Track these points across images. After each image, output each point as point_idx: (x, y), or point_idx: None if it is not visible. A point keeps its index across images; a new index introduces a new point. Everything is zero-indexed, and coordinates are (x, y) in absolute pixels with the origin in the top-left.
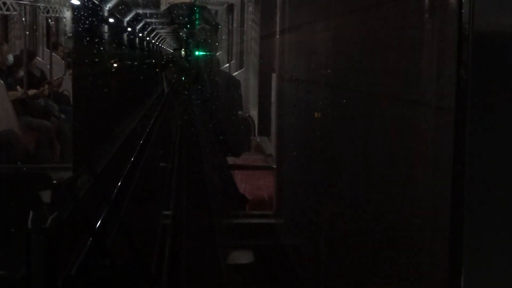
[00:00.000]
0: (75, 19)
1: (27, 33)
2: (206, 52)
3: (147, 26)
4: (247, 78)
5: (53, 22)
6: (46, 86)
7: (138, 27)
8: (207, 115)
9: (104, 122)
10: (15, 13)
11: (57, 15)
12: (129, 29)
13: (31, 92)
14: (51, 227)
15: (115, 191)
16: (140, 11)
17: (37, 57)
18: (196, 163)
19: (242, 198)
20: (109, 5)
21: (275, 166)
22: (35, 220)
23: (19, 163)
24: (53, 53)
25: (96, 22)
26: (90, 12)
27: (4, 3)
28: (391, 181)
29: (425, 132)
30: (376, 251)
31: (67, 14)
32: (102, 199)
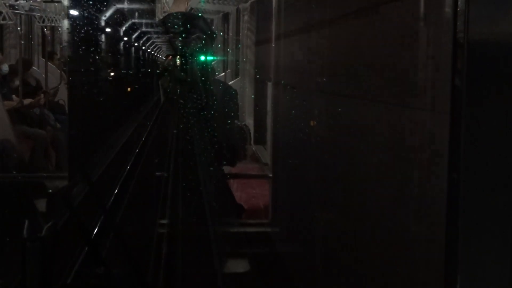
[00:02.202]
0: (71, 28)
1: (23, 42)
2: (202, 60)
3: (142, 35)
4: (242, 87)
5: (48, 32)
6: (42, 95)
7: (133, 36)
8: (203, 124)
9: (99, 131)
10: (10, 22)
11: (53, 24)
12: (125, 38)
13: (27, 101)
14: (47, 236)
15: (111, 200)
16: (136, 20)
17: (33, 67)
18: (192, 172)
19: (239, 208)
20: (104, 15)
21: (270, 175)
22: (30, 229)
23: (14, 172)
24: (48, 63)
25: (91, 31)
26: (85, 21)
27: (1, 12)
28: (387, 189)
29: (420, 140)
30: (371, 258)
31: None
32: (98, 208)
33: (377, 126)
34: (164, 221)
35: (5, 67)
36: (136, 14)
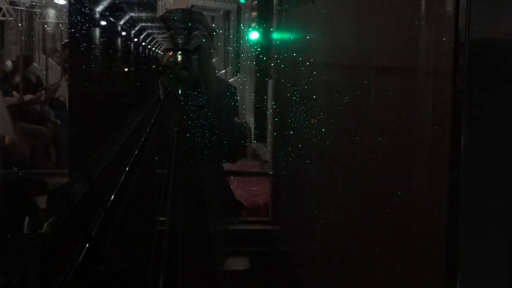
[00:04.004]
0: (71, 24)
1: (23, 38)
2: (202, 58)
3: (143, 31)
4: (243, 84)
5: (49, 28)
6: (43, 91)
7: (134, 32)
8: (203, 121)
9: (100, 128)
10: (11, 18)
11: (53, 20)
12: (125, 34)
13: (27, 97)
14: (47, 233)
15: (111, 197)
16: (137, 16)
17: (34, 63)
18: (193, 169)
19: (238, 205)
20: (105, 11)
21: (271, 172)
22: (30, 226)
23: (14, 168)
24: (49, 59)
25: (92, 28)
26: (86, 17)
27: (0, 9)
28: (388, 188)
29: (420, 139)
30: (372, 257)
31: (51, 16)
32: (98, 205)
33: (378, 125)
34: (164, 218)
35: (9, 64)
36: (137, 10)
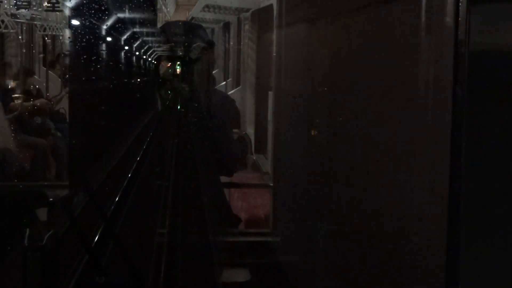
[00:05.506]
0: (71, 37)
1: (24, 51)
2: (202, 70)
3: (143, 44)
4: (243, 96)
5: (49, 40)
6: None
7: (134, 44)
8: (203, 133)
9: (100, 140)
10: (12, 31)
11: (54, 33)
12: (126, 47)
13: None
14: (47, 245)
15: (111, 209)
16: (137, 28)
17: (34, 76)
18: (192, 181)
19: (235, 219)
20: (105, 23)
21: (271, 184)
22: (31, 238)
23: (15, 180)
24: (50, 71)
25: (92, 41)
26: (86, 30)
27: (3, 21)
28: (389, 199)
29: (421, 149)
30: (373, 267)
31: (52, 29)
32: (98, 217)
33: (379, 135)
34: (164, 230)
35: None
36: (137, 22)
